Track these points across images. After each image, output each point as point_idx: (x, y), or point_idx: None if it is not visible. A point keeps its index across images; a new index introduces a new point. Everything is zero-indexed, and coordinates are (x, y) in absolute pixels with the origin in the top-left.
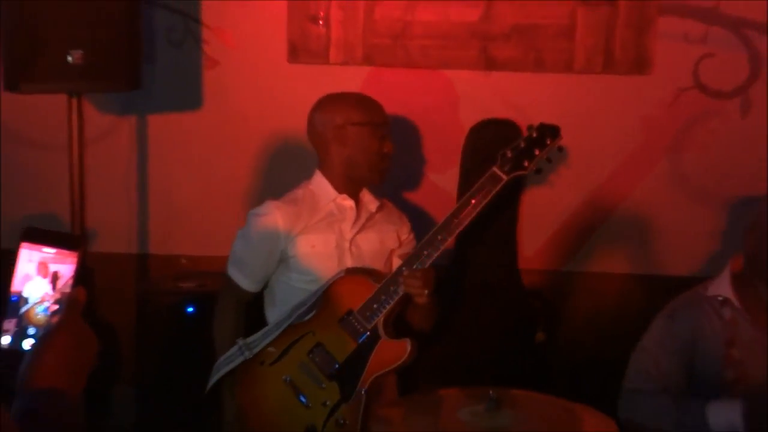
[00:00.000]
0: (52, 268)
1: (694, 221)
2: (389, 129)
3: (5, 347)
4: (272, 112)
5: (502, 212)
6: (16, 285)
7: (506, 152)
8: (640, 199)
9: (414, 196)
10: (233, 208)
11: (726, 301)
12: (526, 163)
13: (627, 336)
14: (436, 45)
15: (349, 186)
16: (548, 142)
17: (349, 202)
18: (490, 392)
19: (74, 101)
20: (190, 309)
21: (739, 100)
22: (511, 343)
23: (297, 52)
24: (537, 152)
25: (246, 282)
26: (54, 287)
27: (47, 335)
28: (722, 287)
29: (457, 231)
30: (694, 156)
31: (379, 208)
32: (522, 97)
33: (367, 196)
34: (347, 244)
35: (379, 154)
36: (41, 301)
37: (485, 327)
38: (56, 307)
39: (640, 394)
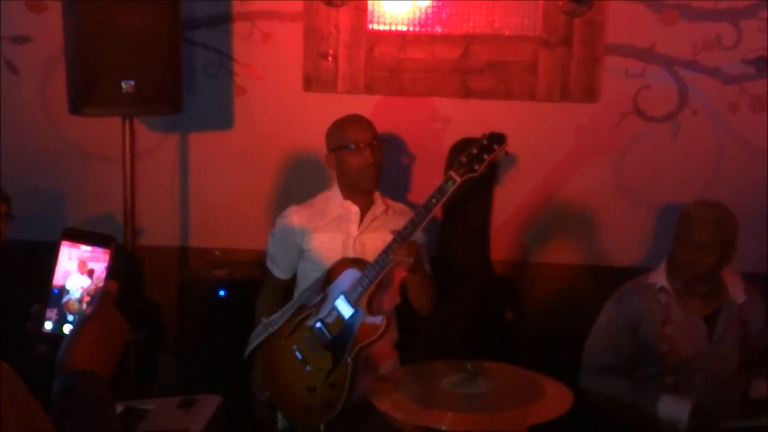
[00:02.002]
0: (89, 265)
1: (634, 221)
2: (371, 141)
3: (48, 332)
4: (290, 132)
5: (477, 214)
6: (58, 279)
7: (461, 158)
8: (590, 202)
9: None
10: (259, 209)
11: (662, 289)
12: (476, 167)
13: (579, 316)
14: (424, 77)
15: (356, 193)
16: (495, 148)
17: (354, 207)
18: (468, 365)
19: (127, 122)
20: (222, 292)
21: (669, 123)
22: (485, 321)
23: (311, 82)
24: (485, 156)
25: (277, 271)
26: (90, 281)
27: (82, 323)
28: (659, 277)
29: (422, 225)
30: (634, 168)
31: (386, 212)
32: (494, 119)
33: (378, 201)
34: (352, 242)
35: (359, 169)
36: (79, 293)
37: (464, 308)
38: (90, 298)
39: (597, 370)
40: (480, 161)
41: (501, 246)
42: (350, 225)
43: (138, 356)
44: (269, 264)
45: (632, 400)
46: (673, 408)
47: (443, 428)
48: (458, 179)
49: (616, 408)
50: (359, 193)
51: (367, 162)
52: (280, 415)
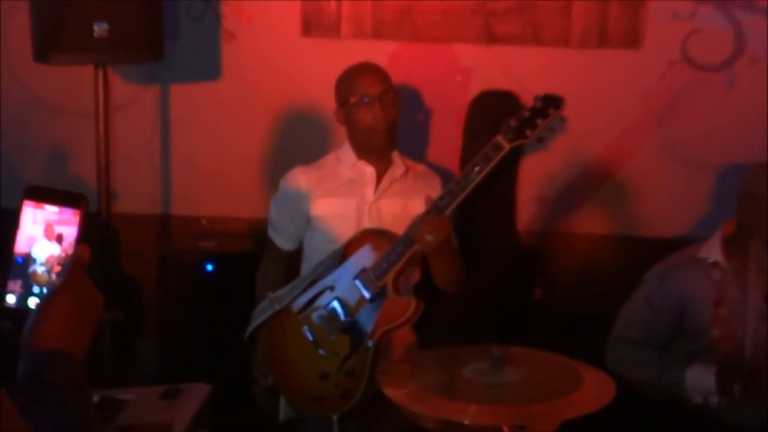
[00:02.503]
0: (57, 229)
1: (681, 186)
2: (383, 93)
3: (11, 306)
4: (286, 83)
5: (503, 178)
6: (21, 246)
7: (510, 121)
8: (632, 165)
9: None
10: (250, 172)
11: (716, 264)
12: (528, 132)
13: (616, 295)
14: (441, 20)
15: (370, 153)
16: (551, 112)
17: (369, 168)
18: (494, 350)
19: (100, 72)
20: (209, 267)
21: (724, 73)
22: (511, 300)
23: (310, 26)
24: (539, 122)
25: (280, 240)
26: (60, 248)
27: (50, 295)
28: (712, 250)
29: (462, 196)
30: (683, 125)
31: (405, 174)
32: (521, 69)
33: (396, 162)
34: (367, 208)
35: (369, 126)
36: (47, 262)
37: (488, 285)
38: (60, 267)
39: (627, 343)
40: (533, 126)
41: (526, 214)
42: (365, 188)
43: (114, 339)
44: (271, 233)
45: (660, 372)
46: (699, 378)
47: (466, 422)
48: (506, 146)
49: (642, 382)
50: (374, 153)
51: (377, 118)
52: (282, 402)
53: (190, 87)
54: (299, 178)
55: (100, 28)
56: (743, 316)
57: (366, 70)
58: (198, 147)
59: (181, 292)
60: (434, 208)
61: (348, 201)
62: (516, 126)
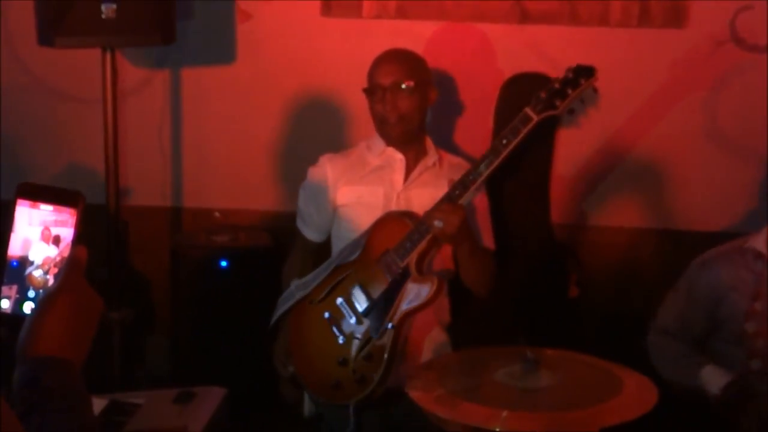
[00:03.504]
0: (54, 230)
1: (729, 175)
2: (395, 84)
3: (6, 312)
4: (305, 67)
5: (536, 165)
6: (16, 248)
7: (540, 93)
8: (675, 153)
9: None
10: (267, 161)
11: (760, 255)
12: (557, 103)
13: (657, 293)
14: None
15: (400, 140)
16: (582, 82)
17: (398, 155)
18: (527, 352)
19: (108, 55)
20: (223, 263)
21: None
22: (545, 298)
23: (330, 6)
24: (570, 92)
25: (308, 231)
26: (57, 251)
27: (47, 299)
28: (759, 241)
29: (489, 170)
30: (730, 110)
31: (439, 164)
32: (556, 50)
33: (430, 151)
34: (395, 196)
35: (379, 118)
36: (43, 264)
37: (519, 282)
38: (57, 270)
39: (662, 332)
40: (563, 97)
41: (558, 206)
42: (394, 176)
43: (123, 339)
44: (299, 223)
45: (684, 366)
46: (711, 377)
47: (497, 429)
48: (535, 117)
49: (670, 374)
50: (403, 140)
51: (386, 109)
52: (307, 398)
53: (203, 71)
54: (326, 166)
55: (108, 9)
56: None
57: (387, 57)
58: (211, 135)
59: (194, 289)
60: (460, 185)
61: (376, 189)
62: (545, 97)
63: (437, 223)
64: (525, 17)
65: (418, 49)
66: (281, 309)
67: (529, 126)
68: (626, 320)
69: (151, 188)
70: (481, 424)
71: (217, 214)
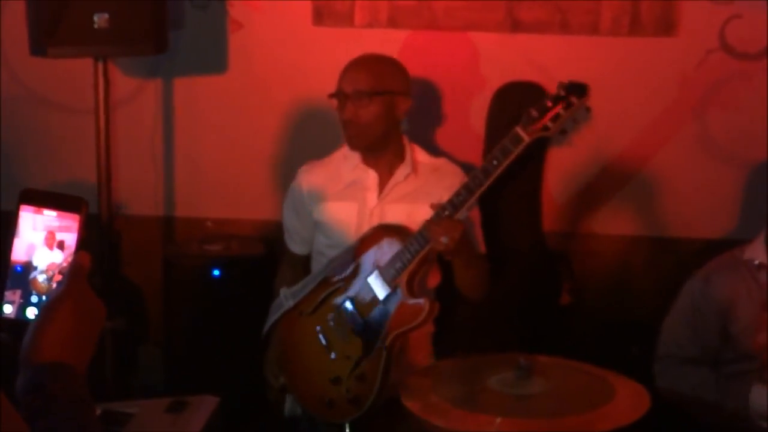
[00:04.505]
0: (58, 236)
1: (719, 184)
2: (353, 92)
3: (9, 317)
4: (297, 76)
5: (527, 174)
6: (19, 254)
7: (531, 111)
8: (665, 160)
9: None
10: (259, 170)
11: (762, 266)
12: (549, 124)
13: (649, 300)
14: (461, 7)
15: (363, 149)
16: (574, 102)
17: (371, 172)
18: (520, 359)
19: (100, 65)
20: (216, 272)
21: (765, 62)
22: (537, 306)
23: (322, 15)
24: (562, 112)
25: (294, 245)
26: (61, 255)
27: (50, 306)
28: (758, 252)
29: (479, 192)
30: (721, 118)
31: (415, 174)
32: (548, 59)
33: (405, 161)
34: (368, 213)
35: (343, 124)
36: (47, 270)
37: (512, 290)
38: (61, 276)
39: (679, 361)
40: (555, 118)
41: (550, 214)
42: (367, 193)
43: (116, 349)
44: (285, 238)
45: (719, 394)
46: (766, 397)
47: None
48: (526, 138)
49: (700, 405)
50: (369, 150)
51: (345, 118)
52: (289, 398)
53: (195, 80)
54: (302, 181)
55: (100, 19)
56: None
57: (354, 64)
58: (203, 144)
59: (187, 298)
60: (449, 206)
61: (349, 205)
62: (537, 116)
63: (444, 239)
64: (516, 26)
65: (410, 57)
66: (273, 318)
67: (521, 147)
68: (619, 327)
69: (144, 197)
70: (475, 430)
71: (209, 223)
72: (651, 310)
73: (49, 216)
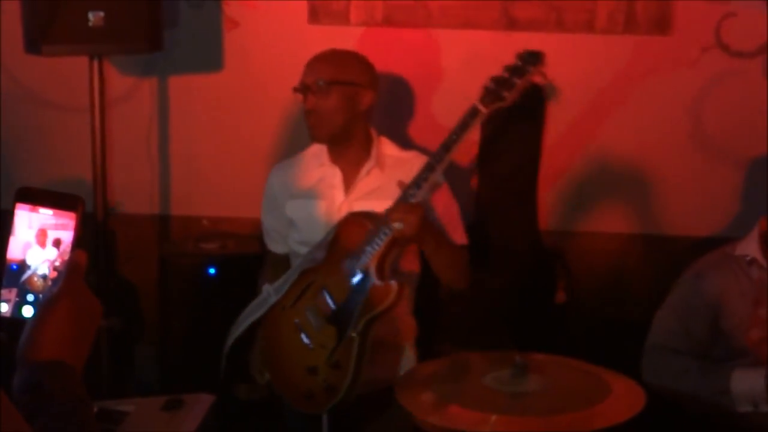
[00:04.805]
0: (54, 234)
1: (713, 181)
2: (313, 83)
3: (5, 316)
4: (293, 74)
5: (523, 169)
6: (16, 252)
7: (488, 84)
8: (660, 158)
9: None
10: (255, 168)
11: (753, 261)
12: (505, 94)
13: (643, 297)
14: (456, 5)
15: (323, 143)
16: (530, 70)
17: (336, 169)
18: (516, 357)
19: (95, 63)
20: (212, 270)
21: (761, 59)
22: (532, 304)
23: (317, 13)
24: (518, 81)
25: (272, 244)
26: (56, 253)
27: (47, 304)
28: (750, 247)
29: (441, 168)
30: (715, 115)
31: (380, 168)
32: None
33: (371, 155)
34: (336, 210)
35: (304, 116)
36: (45, 269)
37: (506, 288)
38: (56, 274)
39: (665, 352)
40: (510, 87)
41: (544, 212)
42: (334, 191)
43: (111, 348)
44: (265, 239)
45: (700, 381)
46: (748, 380)
47: None
48: (483, 110)
49: (683, 393)
50: (330, 143)
51: (304, 110)
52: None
53: (191, 78)
54: (273, 180)
55: (95, 17)
56: None
57: (316, 56)
58: (199, 142)
59: (182, 297)
60: (413, 185)
61: (318, 203)
62: (493, 88)
63: (397, 225)
64: (512, 24)
65: (405, 56)
66: (256, 314)
67: (478, 119)
68: (614, 325)
69: (139, 196)
70: (470, 428)
71: (205, 221)
72: (646, 307)
73: (45, 214)
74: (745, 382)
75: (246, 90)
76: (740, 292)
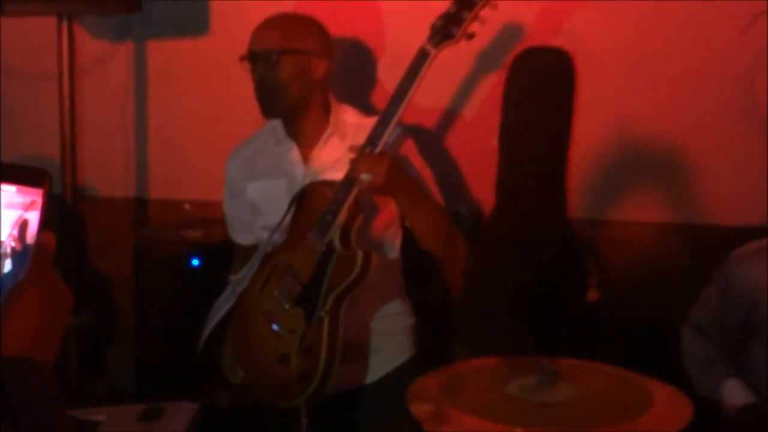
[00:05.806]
0: (17, 213)
1: (762, 164)
2: (260, 51)
3: None
4: None
5: (551, 154)
6: None
7: (435, 22)
8: (705, 138)
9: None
10: None
11: None
12: (454, 30)
13: (685, 294)
14: None
15: (275, 116)
16: (476, 2)
17: (292, 143)
18: (544, 363)
19: (64, 24)
20: (195, 261)
21: None
22: (560, 302)
23: None
24: (466, 15)
25: (238, 236)
26: (22, 236)
27: (12, 292)
28: None
29: (395, 119)
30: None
31: (337, 134)
32: (573, 23)
33: (329, 125)
34: (297, 186)
35: (254, 88)
36: (6, 254)
37: (533, 284)
38: (17, 255)
39: (697, 330)
40: (459, 21)
41: (575, 199)
42: (294, 167)
43: (82, 348)
44: (229, 231)
45: (709, 373)
46: (732, 392)
47: None
48: (432, 51)
49: (696, 376)
50: (283, 116)
51: (254, 81)
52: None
53: (172, 44)
54: (231, 164)
55: None
56: None
57: (265, 22)
58: (181, 117)
59: (162, 290)
60: (369, 143)
61: (278, 182)
62: (440, 26)
63: (364, 176)
64: None
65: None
66: (224, 309)
67: (428, 62)
68: (653, 326)
69: (113, 177)
70: None
71: (187, 206)
72: (687, 304)
73: (8, 191)
74: (736, 394)
75: (234, 57)
76: None
